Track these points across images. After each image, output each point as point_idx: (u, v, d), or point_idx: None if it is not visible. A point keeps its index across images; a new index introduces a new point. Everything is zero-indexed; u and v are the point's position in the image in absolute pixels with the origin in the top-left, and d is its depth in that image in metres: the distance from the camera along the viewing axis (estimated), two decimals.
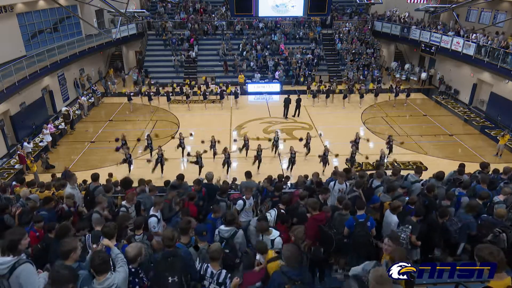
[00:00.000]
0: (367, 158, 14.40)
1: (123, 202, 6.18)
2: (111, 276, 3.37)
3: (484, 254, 3.30)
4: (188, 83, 23.57)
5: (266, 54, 26.33)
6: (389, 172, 8.61)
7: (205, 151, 13.75)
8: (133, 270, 3.69)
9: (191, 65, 26.13)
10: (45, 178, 11.96)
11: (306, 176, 10.61)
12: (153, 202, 5.94)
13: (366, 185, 7.00)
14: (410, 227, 5.19)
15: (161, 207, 5.87)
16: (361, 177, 7.22)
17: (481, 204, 5.97)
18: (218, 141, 14.74)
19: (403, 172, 8.39)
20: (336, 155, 14.03)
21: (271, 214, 5.73)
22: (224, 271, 3.81)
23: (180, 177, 7.67)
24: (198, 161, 13.52)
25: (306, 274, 4.06)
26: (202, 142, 14.48)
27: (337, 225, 5.49)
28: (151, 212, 5.72)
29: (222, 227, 4.89)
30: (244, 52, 26.18)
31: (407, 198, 6.24)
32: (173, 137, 15.54)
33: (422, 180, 7.57)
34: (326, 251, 5.02)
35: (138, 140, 16.14)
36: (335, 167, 11.63)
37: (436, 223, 5.45)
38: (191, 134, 15.74)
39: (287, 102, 19.79)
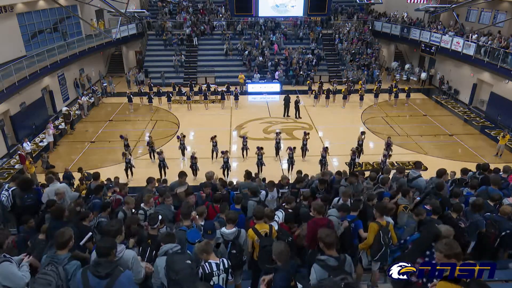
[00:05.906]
0: (377, 167, 13.84)
1: (142, 205, 6.25)
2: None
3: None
4: (189, 84, 23.51)
5: (266, 52, 26.32)
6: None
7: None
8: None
9: (191, 65, 26.13)
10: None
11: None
12: (199, 212, 5.58)
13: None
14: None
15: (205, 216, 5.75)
16: (400, 172, 7.46)
17: (492, 205, 5.96)
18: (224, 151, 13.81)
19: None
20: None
21: (279, 216, 5.70)
22: (224, 259, 3.97)
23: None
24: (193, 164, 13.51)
25: None
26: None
27: None
28: None
29: (224, 229, 4.80)
30: (246, 52, 26.16)
31: (418, 198, 6.31)
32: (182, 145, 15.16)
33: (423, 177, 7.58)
34: None
35: (123, 154, 13.94)
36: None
37: (452, 220, 5.40)
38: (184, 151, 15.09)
39: (287, 101, 19.78)
